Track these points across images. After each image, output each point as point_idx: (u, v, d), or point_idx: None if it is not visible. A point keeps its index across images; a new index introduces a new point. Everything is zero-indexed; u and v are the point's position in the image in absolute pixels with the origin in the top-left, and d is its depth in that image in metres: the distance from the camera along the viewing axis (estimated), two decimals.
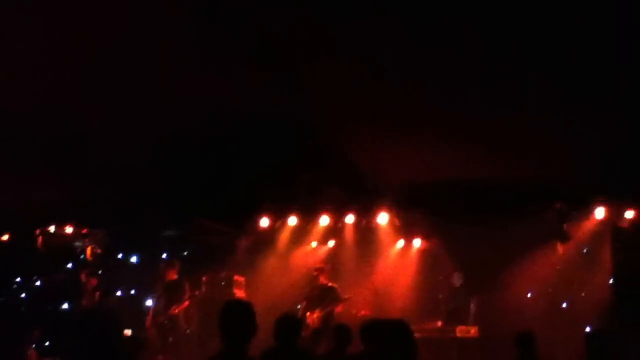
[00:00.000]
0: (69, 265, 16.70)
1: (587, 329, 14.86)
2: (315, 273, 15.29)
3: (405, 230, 15.78)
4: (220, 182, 12.66)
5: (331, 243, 16.70)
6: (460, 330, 15.14)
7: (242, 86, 9.20)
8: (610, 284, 15.00)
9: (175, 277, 14.55)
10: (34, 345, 12.59)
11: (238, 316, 5.62)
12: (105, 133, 10.87)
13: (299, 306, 15.72)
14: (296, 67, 8.11)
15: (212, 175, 12.51)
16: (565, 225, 13.15)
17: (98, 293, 14.73)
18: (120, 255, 17.20)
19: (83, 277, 15.01)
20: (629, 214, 13.31)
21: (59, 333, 13.00)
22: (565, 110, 9.23)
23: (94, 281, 14.91)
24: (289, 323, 8.06)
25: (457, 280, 16.35)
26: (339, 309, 14.81)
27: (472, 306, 15.82)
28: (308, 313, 14.76)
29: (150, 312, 14.96)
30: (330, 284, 15.09)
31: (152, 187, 12.98)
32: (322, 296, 14.91)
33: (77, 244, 15.49)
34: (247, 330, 5.54)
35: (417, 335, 6.25)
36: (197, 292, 15.21)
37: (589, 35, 7.70)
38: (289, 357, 7.76)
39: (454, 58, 8.27)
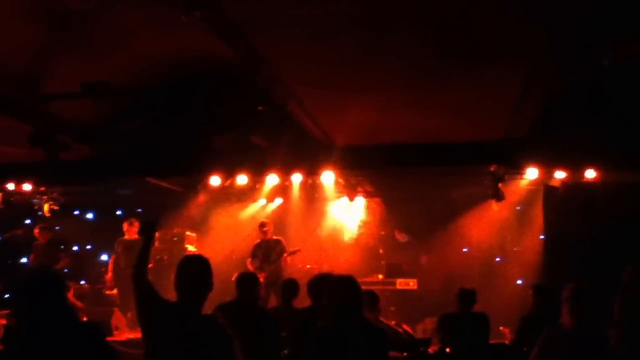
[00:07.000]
0: (28, 221, 17.27)
1: (519, 281, 15.84)
2: (261, 229, 15.63)
3: (349, 189, 16.42)
4: (172, 143, 12.92)
5: (279, 200, 17.29)
6: (400, 283, 15.93)
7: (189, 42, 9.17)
8: (541, 239, 15.94)
9: (135, 236, 14.51)
10: None
11: (196, 269, 5.65)
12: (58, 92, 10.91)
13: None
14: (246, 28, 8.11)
15: (164, 136, 12.74)
16: (500, 185, 13.58)
17: (49, 249, 15.28)
18: (76, 212, 17.72)
19: (36, 231, 15.47)
20: (560, 175, 13.93)
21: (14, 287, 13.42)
22: (501, 76, 9.50)
23: (47, 235, 15.42)
24: (245, 279, 8.55)
25: (400, 236, 17.12)
26: (287, 261, 15.40)
27: (422, 260, 16.69)
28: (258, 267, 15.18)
29: (110, 268, 15.54)
30: (275, 238, 15.63)
31: (106, 148, 13.20)
32: (269, 250, 15.41)
33: (35, 200, 15.81)
34: (205, 285, 5.59)
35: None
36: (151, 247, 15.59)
37: None
38: (242, 311, 8.05)
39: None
